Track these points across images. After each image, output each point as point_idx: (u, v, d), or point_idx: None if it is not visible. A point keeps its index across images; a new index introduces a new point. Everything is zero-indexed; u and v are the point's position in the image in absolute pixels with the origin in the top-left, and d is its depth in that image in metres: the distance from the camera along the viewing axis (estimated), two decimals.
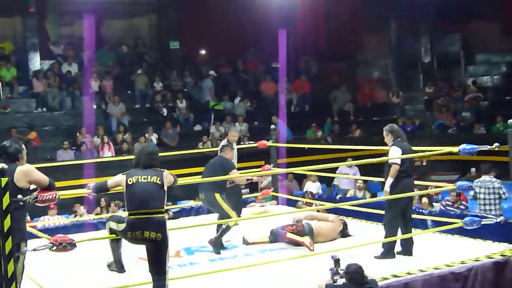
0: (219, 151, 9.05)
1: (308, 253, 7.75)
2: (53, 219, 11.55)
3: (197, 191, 11.68)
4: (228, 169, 8.42)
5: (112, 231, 6.32)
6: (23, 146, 6.03)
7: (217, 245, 8.24)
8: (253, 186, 15.00)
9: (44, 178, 5.83)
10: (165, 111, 18.13)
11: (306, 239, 8.16)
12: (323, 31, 21.72)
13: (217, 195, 8.26)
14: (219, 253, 8.16)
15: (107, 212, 12.09)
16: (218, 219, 8.46)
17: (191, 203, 12.13)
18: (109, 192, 6.55)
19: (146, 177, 6.07)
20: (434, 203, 11.89)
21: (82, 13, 18.61)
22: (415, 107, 21.26)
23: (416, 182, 8.23)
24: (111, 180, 6.26)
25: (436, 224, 8.57)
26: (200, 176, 8.57)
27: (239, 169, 10.33)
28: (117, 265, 6.92)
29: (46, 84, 17.63)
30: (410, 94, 21.59)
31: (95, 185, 6.44)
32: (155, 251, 6.01)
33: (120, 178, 6.18)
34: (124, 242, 6.47)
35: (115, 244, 6.72)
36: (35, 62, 18.70)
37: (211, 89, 19.34)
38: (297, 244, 8.25)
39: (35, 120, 16.88)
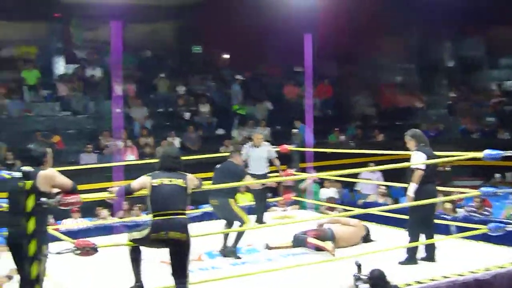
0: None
1: (331, 258, 7.72)
2: (76, 222, 11.63)
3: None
4: (242, 175, 8.43)
5: (134, 241, 6.31)
6: (49, 150, 6.07)
7: (234, 252, 8.20)
8: (275, 191, 15.00)
9: (67, 182, 5.87)
10: (187, 115, 18.18)
11: (328, 244, 8.13)
12: (345, 35, 21.62)
13: (231, 201, 8.29)
14: (240, 258, 8.15)
15: (130, 216, 12.15)
16: (225, 226, 8.45)
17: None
18: (133, 196, 6.56)
19: (170, 179, 6.13)
20: (457, 209, 11.80)
21: (105, 18, 18.73)
22: (438, 111, 21.09)
23: (439, 188, 8.17)
24: (135, 182, 6.29)
25: (460, 230, 8.50)
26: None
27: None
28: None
29: (70, 88, 17.77)
30: (433, 99, 21.45)
31: (119, 188, 6.47)
32: (178, 252, 6.05)
33: (145, 179, 6.22)
34: (145, 250, 6.47)
35: (135, 263, 6.54)
36: (59, 66, 18.89)
37: (237, 93, 19.34)
38: (319, 249, 8.23)
39: (59, 123, 17.01)
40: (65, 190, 5.87)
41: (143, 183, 6.22)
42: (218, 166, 8.70)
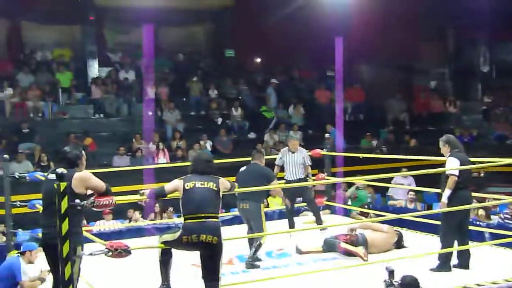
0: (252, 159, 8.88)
1: (362, 263, 7.67)
2: (108, 224, 11.73)
3: None
4: (271, 177, 8.40)
5: (166, 244, 6.33)
6: (83, 152, 6.14)
7: (254, 261, 8.12)
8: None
9: (101, 184, 5.93)
10: (219, 118, 18.23)
11: (360, 249, 8.08)
12: (379, 38, 21.49)
13: (262, 206, 8.27)
14: (259, 266, 8.06)
15: (161, 218, 12.22)
16: (248, 232, 8.43)
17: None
18: (165, 198, 6.58)
19: (203, 183, 6.17)
20: (491, 216, 11.64)
21: (139, 21, 18.90)
22: (472, 117, 20.84)
23: (473, 194, 8.06)
24: (168, 185, 6.32)
25: (494, 237, 8.38)
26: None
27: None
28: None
29: (103, 90, 17.94)
30: (468, 104, 21.20)
31: (152, 190, 6.49)
32: (210, 255, 6.07)
33: (177, 182, 6.26)
34: (176, 252, 6.49)
35: (165, 265, 6.55)
36: (93, 69, 19.08)
37: (271, 97, 19.35)
38: (351, 254, 8.18)
39: (92, 126, 17.18)
40: (99, 192, 5.93)
41: (175, 186, 6.26)
42: (242, 169, 8.63)
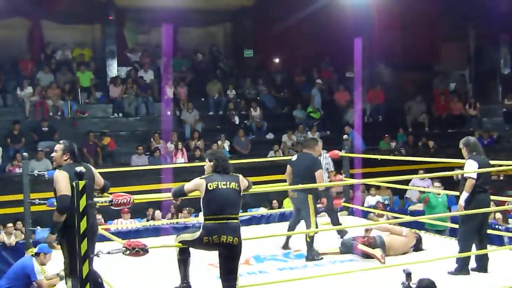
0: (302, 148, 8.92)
1: (379, 266, 7.62)
2: (125, 223, 11.78)
3: (268, 199, 11.70)
4: (316, 167, 8.41)
5: (184, 243, 6.34)
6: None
7: (313, 253, 8.20)
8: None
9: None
10: (236, 119, 18.24)
11: (377, 252, 8.03)
12: (399, 40, 21.41)
13: (310, 197, 8.28)
14: (321, 258, 8.15)
15: (177, 218, 12.24)
16: (293, 219, 8.52)
17: (262, 211, 12.17)
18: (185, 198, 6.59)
19: (225, 183, 6.15)
20: (509, 219, 11.54)
21: (159, 21, 18.98)
22: (492, 119, 20.67)
23: (492, 197, 7.98)
24: (188, 184, 6.28)
25: None
26: (271, 185, 8.56)
27: None
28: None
29: (123, 90, 18.02)
30: (488, 106, 21.04)
31: (173, 190, 6.47)
32: (229, 255, 6.08)
33: (199, 182, 6.21)
34: (194, 251, 6.51)
35: (183, 264, 6.56)
36: (113, 68, 19.17)
37: (316, 97, 19.33)
38: (368, 256, 8.14)
39: (111, 125, 17.27)
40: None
41: (196, 185, 6.22)
42: (293, 159, 8.70)
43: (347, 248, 8.39)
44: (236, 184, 6.19)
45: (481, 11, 20.42)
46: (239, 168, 7.00)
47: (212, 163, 6.32)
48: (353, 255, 8.29)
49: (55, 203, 5.99)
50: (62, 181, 5.87)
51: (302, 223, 8.53)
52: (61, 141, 6.41)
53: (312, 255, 8.15)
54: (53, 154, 6.38)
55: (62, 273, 7.45)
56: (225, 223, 6.03)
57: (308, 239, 8.14)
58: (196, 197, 6.32)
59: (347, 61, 19.96)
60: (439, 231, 10.35)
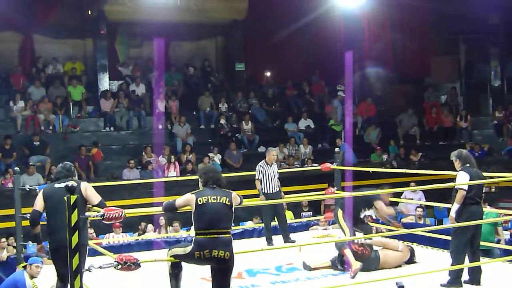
0: None
1: (373, 279, 7.57)
2: (117, 237, 11.73)
3: (258, 212, 11.71)
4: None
5: (176, 257, 6.32)
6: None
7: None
8: (316, 209, 14.92)
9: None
10: (229, 132, 18.24)
11: (356, 265, 7.96)
12: (390, 53, 21.51)
13: (340, 212, 8.53)
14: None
15: (166, 232, 12.21)
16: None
17: (253, 225, 12.15)
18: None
19: (215, 197, 6.14)
20: (503, 231, 11.54)
21: (150, 35, 19.01)
22: (483, 132, 20.76)
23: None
24: (179, 200, 6.29)
25: (506, 253, 8.30)
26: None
27: (301, 191, 10.29)
28: None
29: (114, 104, 18.00)
30: (479, 119, 21.14)
31: (164, 204, 6.46)
32: (221, 269, 6.07)
33: (189, 197, 6.21)
34: (186, 266, 6.49)
35: (175, 279, 6.54)
36: (104, 82, 19.15)
37: (338, 110, 19.39)
38: (346, 262, 8.11)
39: (103, 139, 17.22)
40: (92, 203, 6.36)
41: (187, 200, 6.22)
42: None
43: (336, 247, 8.31)
44: (227, 198, 6.17)
45: (471, 25, 20.57)
46: (230, 182, 6.99)
47: (202, 179, 6.33)
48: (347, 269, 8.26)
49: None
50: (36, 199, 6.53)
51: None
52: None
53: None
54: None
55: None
56: (216, 238, 6.01)
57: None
58: (186, 211, 6.31)
59: (338, 74, 20.02)
60: (484, 252, 8.71)
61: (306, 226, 11.43)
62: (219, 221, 6.06)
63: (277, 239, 10.04)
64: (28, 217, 6.44)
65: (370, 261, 8.18)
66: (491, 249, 8.98)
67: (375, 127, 19.18)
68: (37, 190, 8.33)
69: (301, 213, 14.52)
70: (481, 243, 8.27)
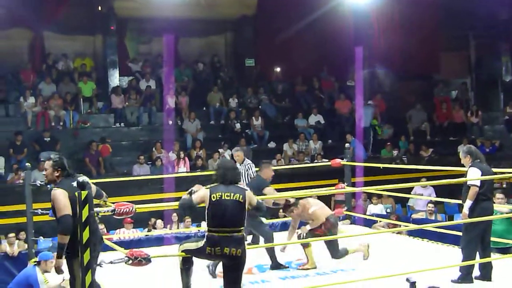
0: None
1: (383, 275, 7.53)
2: (128, 233, 11.77)
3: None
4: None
5: (187, 252, 6.33)
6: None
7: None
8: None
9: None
10: (237, 126, 18.21)
11: (313, 265, 8.16)
12: (400, 49, 21.43)
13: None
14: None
15: (177, 228, 12.23)
16: None
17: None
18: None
19: (229, 194, 6.09)
20: None
21: (160, 31, 19.03)
22: (494, 127, 20.66)
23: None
24: (195, 196, 6.24)
25: None
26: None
27: (311, 186, 10.25)
28: None
29: (124, 100, 18.05)
30: (490, 114, 21.05)
31: (180, 203, 6.41)
32: (232, 266, 6.06)
33: (204, 192, 6.18)
34: (196, 261, 6.49)
35: (186, 273, 6.55)
36: (114, 78, 19.19)
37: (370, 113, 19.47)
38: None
39: (113, 135, 17.27)
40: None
41: (203, 196, 6.18)
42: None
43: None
44: (241, 196, 6.11)
45: (482, 20, 20.46)
46: None
47: (217, 173, 6.28)
48: (355, 265, 8.25)
49: (58, 225, 5.79)
50: (61, 200, 5.71)
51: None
52: (51, 155, 6.23)
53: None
54: (44, 172, 6.19)
55: (64, 284, 7.44)
56: (228, 236, 5.99)
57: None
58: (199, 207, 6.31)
59: (348, 70, 19.98)
60: (502, 250, 8.70)
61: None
62: (232, 219, 6.02)
63: (282, 235, 9.93)
64: (60, 225, 5.71)
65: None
66: (509, 246, 8.92)
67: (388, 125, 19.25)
68: (48, 186, 8.36)
69: None
70: (498, 240, 8.25)
